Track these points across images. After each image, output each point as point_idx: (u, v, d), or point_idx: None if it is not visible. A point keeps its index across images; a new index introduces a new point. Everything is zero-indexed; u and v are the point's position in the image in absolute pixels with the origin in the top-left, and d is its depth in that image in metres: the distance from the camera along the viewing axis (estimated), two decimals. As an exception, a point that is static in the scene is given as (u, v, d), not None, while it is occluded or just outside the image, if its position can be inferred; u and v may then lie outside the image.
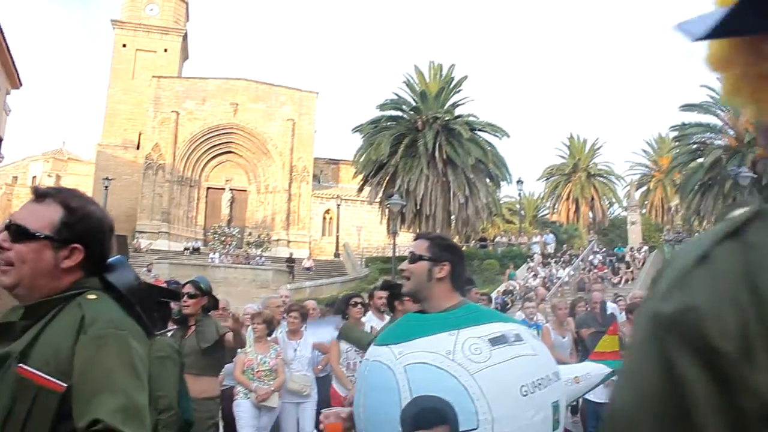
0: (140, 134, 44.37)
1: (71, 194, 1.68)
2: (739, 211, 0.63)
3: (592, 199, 46.62)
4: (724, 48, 0.68)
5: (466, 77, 31.96)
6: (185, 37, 50.37)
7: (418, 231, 31.27)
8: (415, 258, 2.17)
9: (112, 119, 47.17)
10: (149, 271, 23.80)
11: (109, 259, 1.72)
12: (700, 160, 29.71)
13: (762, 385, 0.53)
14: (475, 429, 1.81)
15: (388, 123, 31.39)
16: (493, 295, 17.43)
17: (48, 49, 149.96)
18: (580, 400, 5.92)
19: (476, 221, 30.34)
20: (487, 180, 30.72)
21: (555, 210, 49.35)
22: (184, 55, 52.23)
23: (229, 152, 43.34)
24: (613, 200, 48.10)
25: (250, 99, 43.23)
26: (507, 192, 47.13)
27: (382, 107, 31.68)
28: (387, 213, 29.87)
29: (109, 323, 1.52)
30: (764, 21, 0.60)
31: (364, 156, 30.59)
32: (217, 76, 44.00)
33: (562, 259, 28.73)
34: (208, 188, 43.21)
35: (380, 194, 30.66)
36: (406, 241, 37.35)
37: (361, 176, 31.96)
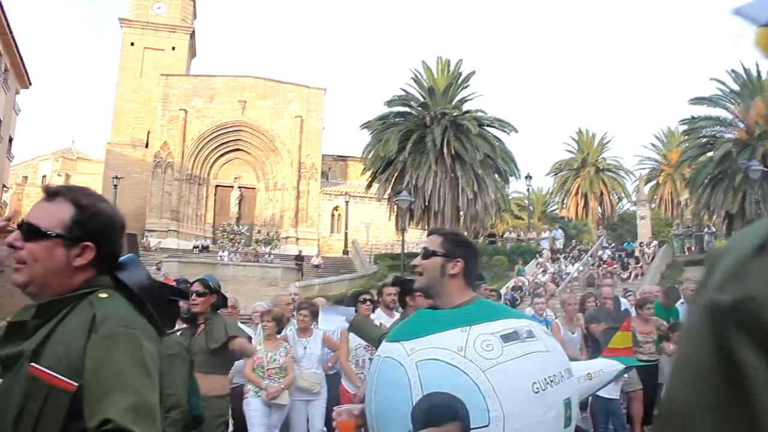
0: (149, 132, 44.54)
1: (82, 192, 1.68)
2: None
3: (601, 194, 46.44)
4: None
5: (473, 72, 31.91)
6: (193, 34, 50.50)
7: (426, 227, 31.26)
8: (428, 253, 2.16)
9: (120, 118, 47.35)
10: (159, 269, 23.88)
11: (121, 258, 1.72)
12: (710, 153, 29.49)
13: None
14: (486, 426, 1.81)
15: (396, 119, 31.35)
16: (502, 291, 17.42)
17: (56, 49, 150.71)
18: (590, 396, 5.90)
19: (485, 217, 30.28)
20: (496, 176, 30.65)
21: (564, 205, 49.20)
22: (192, 53, 52.35)
23: (238, 150, 43.44)
24: (622, 195, 47.90)
25: (258, 96, 43.30)
26: (515, 187, 47.12)
27: (389, 103, 31.62)
28: (395, 209, 29.86)
29: (120, 322, 1.51)
30: None
31: (372, 152, 30.55)
32: (225, 74, 44.12)
33: (571, 254, 28.67)
34: (217, 186, 43.31)
35: (388, 191, 30.65)
36: (414, 237, 37.45)
37: (369, 173, 31.95)
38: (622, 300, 9.47)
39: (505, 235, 36.21)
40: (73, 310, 1.56)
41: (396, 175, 30.11)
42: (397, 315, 6.43)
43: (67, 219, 1.61)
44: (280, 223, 42.56)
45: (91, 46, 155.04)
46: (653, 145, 49.55)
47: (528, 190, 38.60)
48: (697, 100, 30.01)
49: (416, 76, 32.03)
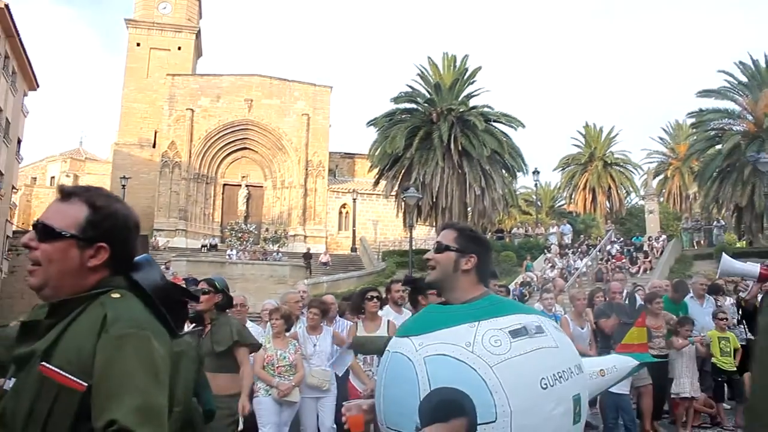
0: (156, 132, 44.70)
1: (97, 193, 1.68)
2: None
3: (609, 188, 46.32)
4: None
5: (480, 68, 31.78)
6: (198, 34, 50.61)
7: (434, 224, 31.26)
8: (441, 248, 2.15)
9: (127, 118, 47.52)
10: (167, 268, 23.97)
11: (136, 258, 1.71)
12: (719, 146, 29.35)
13: None
14: (493, 422, 1.80)
15: (403, 116, 31.29)
16: (511, 286, 17.38)
17: (63, 51, 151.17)
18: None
19: (492, 213, 30.22)
20: (503, 171, 30.57)
21: (572, 200, 49.10)
22: (198, 53, 52.47)
23: (245, 148, 43.54)
24: (630, 189, 47.77)
25: (265, 95, 43.38)
26: (523, 183, 47.18)
27: (396, 100, 31.55)
28: (403, 206, 29.82)
29: (130, 323, 1.51)
30: None
31: (379, 149, 30.51)
32: (231, 73, 44.22)
33: (579, 249, 28.64)
34: (225, 185, 43.43)
35: (396, 187, 30.64)
36: (422, 234, 37.48)
37: (376, 170, 31.93)
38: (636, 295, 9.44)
39: (513, 231, 36.18)
40: (85, 310, 1.55)
41: (403, 171, 30.09)
42: (405, 311, 6.44)
43: (81, 219, 1.61)
44: (288, 221, 42.65)
45: (97, 48, 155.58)
46: (661, 139, 49.42)
47: (535, 185, 38.55)
48: (705, 93, 29.86)
49: (422, 72, 31.96)
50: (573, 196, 48.56)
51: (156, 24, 48.53)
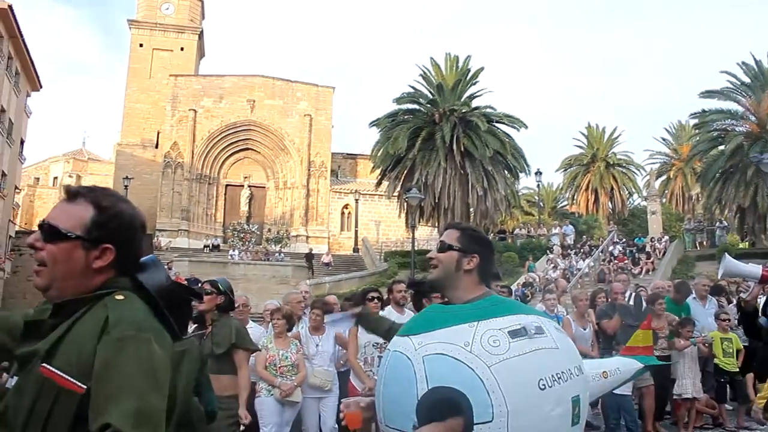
0: (158, 133, 44.76)
1: (103, 193, 1.67)
2: None
3: (612, 189, 46.24)
4: None
5: (482, 69, 31.73)
6: (201, 35, 50.67)
7: (436, 225, 31.27)
8: (444, 247, 2.16)
9: (130, 119, 47.61)
10: (170, 268, 24.00)
11: (142, 258, 1.70)
12: (721, 147, 29.31)
13: None
14: (490, 421, 1.80)
15: (405, 116, 31.28)
16: (513, 287, 17.37)
17: (66, 51, 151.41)
18: (602, 392, 5.87)
19: (495, 213, 30.22)
20: (506, 172, 30.55)
21: (574, 201, 49.02)
22: (201, 53, 52.54)
23: (247, 149, 43.58)
24: (633, 190, 47.71)
25: (267, 95, 43.42)
26: (525, 183, 47.05)
27: (398, 101, 31.53)
28: (405, 207, 29.84)
29: (132, 325, 1.49)
30: None
31: (381, 150, 30.50)
32: (234, 74, 44.28)
33: (581, 250, 28.59)
34: (227, 185, 43.47)
35: (398, 188, 30.64)
36: (424, 234, 37.48)
37: (378, 170, 31.94)
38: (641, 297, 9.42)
39: (515, 232, 36.10)
40: (89, 311, 1.54)
41: (405, 172, 30.08)
42: (407, 311, 6.44)
43: (86, 220, 1.60)
44: (290, 221, 42.68)
45: (100, 48, 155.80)
46: (664, 140, 49.33)
47: (538, 186, 38.45)
48: (708, 94, 29.80)
49: (425, 73, 31.94)
50: (575, 197, 48.48)
51: (159, 25, 48.62)
